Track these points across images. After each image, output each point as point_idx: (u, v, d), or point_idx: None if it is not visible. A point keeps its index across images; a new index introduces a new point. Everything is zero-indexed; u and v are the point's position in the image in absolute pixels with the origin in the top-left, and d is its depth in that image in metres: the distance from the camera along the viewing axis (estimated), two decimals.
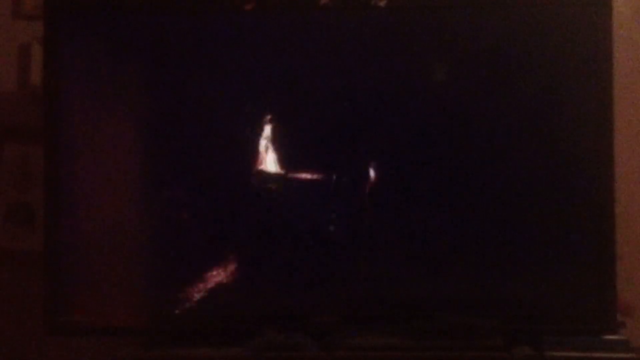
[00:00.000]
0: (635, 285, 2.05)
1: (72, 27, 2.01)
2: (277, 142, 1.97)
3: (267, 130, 1.97)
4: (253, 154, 1.97)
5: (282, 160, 1.96)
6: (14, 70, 2.29)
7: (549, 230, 1.94)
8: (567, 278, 1.92)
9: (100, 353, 2.00)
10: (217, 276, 1.97)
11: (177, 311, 1.97)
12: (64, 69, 2.00)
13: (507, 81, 1.95)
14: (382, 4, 1.97)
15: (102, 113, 1.99)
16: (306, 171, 1.96)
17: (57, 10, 2.01)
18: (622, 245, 1.95)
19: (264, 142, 1.97)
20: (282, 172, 1.96)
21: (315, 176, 1.96)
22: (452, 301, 1.92)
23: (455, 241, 1.95)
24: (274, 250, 1.96)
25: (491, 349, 1.86)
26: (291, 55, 1.98)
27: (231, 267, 1.97)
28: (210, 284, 1.97)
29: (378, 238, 1.95)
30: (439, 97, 1.96)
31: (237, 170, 1.98)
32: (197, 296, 1.97)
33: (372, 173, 1.96)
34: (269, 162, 1.97)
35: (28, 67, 2.27)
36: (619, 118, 1.93)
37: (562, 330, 1.89)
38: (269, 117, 1.97)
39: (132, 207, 1.99)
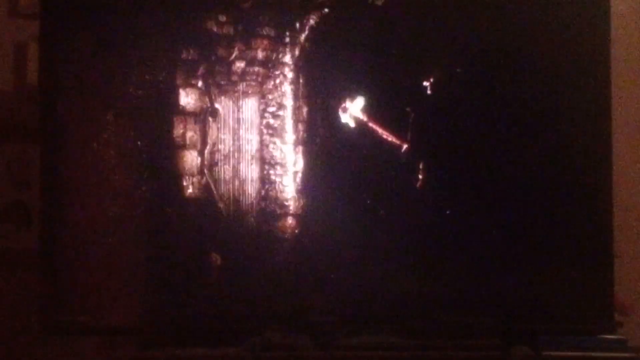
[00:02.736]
0: (632, 284, 2.06)
1: (69, 25, 2.00)
2: (277, 139, 1.96)
3: (268, 126, 1.97)
4: (254, 152, 1.97)
5: (283, 159, 1.96)
6: (10, 70, 2.28)
7: (547, 229, 1.94)
8: (565, 277, 1.92)
9: (97, 353, 1.99)
10: (215, 275, 1.97)
11: (174, 311, 1.96)
12: (60, 68, 1.99)
13: (505, 80, 1.95)
14: (379, 2, 1.97)
15: (99, 112, 1.98)
16: (305, 171, 1.96)
17: (53, 9, 2.00)
18: (619, 245, 1.95)
19: (265, 140, 1.97)
20: (282, 172, 1.96)
21: (314, 176, 1.96)
22: (450, 300, 1.92)
23: (453, 240, 1.94)
24: (273, 249, 1.96)
25: (489, 348, 1.86)
26: (288, 53, 1.97)
27: (230, 267, 1.96)
28: (208, 283, 1.97)
29: (377, 237, 1.95)
30: (436, 96, 1.96)
31: (236, 170, 1.98)
32: (195, 296, 1.96)
33: (370, 172, 1.96)
34: (270, 161, 1.97)
35: (24, 66, 2.26)
36: (617, 117, 1.94)
37: (559, 329, 1.90)
38: (267, 114, 1.97)
39: (130, 206, 1.99)
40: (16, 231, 2.25)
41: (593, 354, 1.84)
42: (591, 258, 1.92)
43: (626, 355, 1.84)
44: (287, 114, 1.97)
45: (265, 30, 1.97)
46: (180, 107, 1.98)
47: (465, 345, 1.86)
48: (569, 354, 1.84)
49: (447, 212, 1.94)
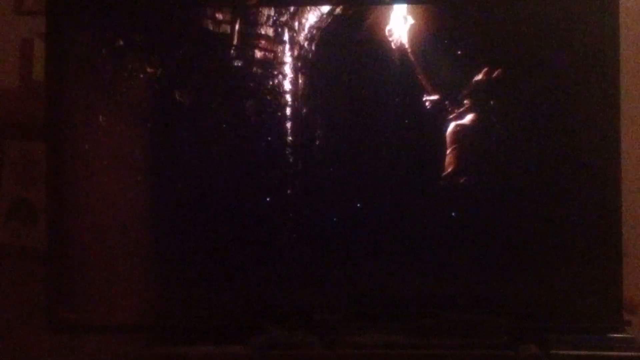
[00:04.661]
0: None
1: (74, 22, 2.00)
2: (280, 138, 1.96)
3: (270, 125, 1.97)
4: (256, 150, 1.97)
5: (286, 158, 1.95)
6: (16, 66, 2.28)
7: (555, 228, 1.93)
8: (573, 276, 1.92)
9: (102, 350, 1.99)
10: (221, 273, 1.97)
11: (179, 308, 1.96)
12: (66, 65, 1.99)
13: (514, 77, 1.95)
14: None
15: (105, 109, 1.98)
16: (309, 169, 1.96)
17: (58, 6, 2.00)
18: (627, 243, 1.94)
19: (266, 139, 1.97)
20: (285, 170, 1.96)
21: (318, 175, 1.96)
22: (457, 299, 1.92)
23: (461, 239, 1.94)
24: (278, 247, 1.95)
25: (497, 347, 1.86)
26: (294, 49, 1.97)
27: (234, 265, 1.96)
28: (214, 281, 1.97)
29: (383, 236, 1.95)
30: (443, 93, 1.95)
31: (238, 168, 1.98)
32: (200, 293, 1.96)
33: (375, 171, 1.96)
34: (273, 160, 1.96)
35: (30, 63, 2.26)
36: (626, 115, 1.93)
37: (568, 328, 1.89)
38: (269, 111, 1.97)
39: (135, 204, 1.99)
40: (21, 229, 2.26)
41: (601, 352, 1.83)
42: (600, 257, 1.92)
43: (634, 353, 1.83)
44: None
45: None
46: (187, 104, 1.98)
47: (474, 344, 1.86)
48: (577, 352, 1.83)
49: (455, 210, 1.94)
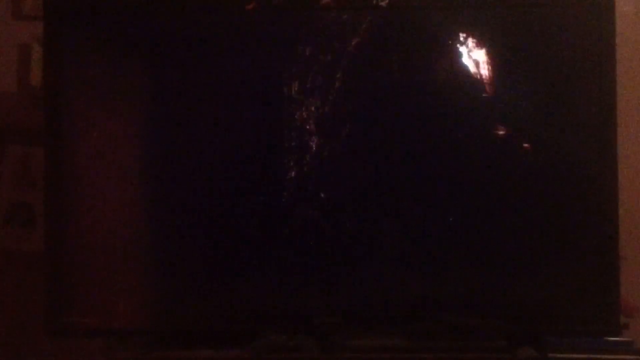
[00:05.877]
0: (638, 286, 2.05)
1: (72, 27, 2.00)
2: (278, 142, 1.96)
3: (270, 129, 1.97)
4: (254, 153, 1.97)
5: (283, 163, 1.96)
6: (14, 71, 2.29)
7: (552, 231, 1.94)
8: (571, 279, 1.92)
9: (101, 354, 1.99)
10: (219, 277, 1.97)
11: (178, 312, 1.97)
12: (64, 70, 1.99)
13: (510, 81, 1.95)
14: (384, 3, 1.96)
15: (103, 114, 1.98)
16: (306, 174, 1.96)
17: (57, 11, 2.00)
18: (625, 246, 1.94)
19: (266, 141, 1.97)
20: (284, 172, 1.96)
21: (316, 180, 1.96)
22: (454, 302, 1.92)
23: (458, 242, 1.94)
24: (276, 251, 1.95)
25: (494, 350, 1.86)
26: (292, 55, 1.97)
27: (232, 268, 1.96)
28: (212, 284, 1.97)
29: (380, 239, 1.95)
30: (441, 97, 1.96)
31: (239, 171, 1.98)
32: (198, 297, 1.97)
33: (373, 172, 1.96)
34: (272, 162, 1.96)
35: (28, 67, 2.27)
36: (622, 118, 1.93)
37: (565, 331, 1.89)
38: (269, 116, 1.97)
39: (134, 208, 1.99)
40: (21, 233, 2.26)
41: (599, 355, 1.83)
42: (597, 259, 1.92)
43: (632, 357, 1.84)
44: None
45: None
46: (186, 109, 1.99)
47: (471, 347, 1.86)
48: (575, 355, 1.84)
49: (452, 212, 1.94)
